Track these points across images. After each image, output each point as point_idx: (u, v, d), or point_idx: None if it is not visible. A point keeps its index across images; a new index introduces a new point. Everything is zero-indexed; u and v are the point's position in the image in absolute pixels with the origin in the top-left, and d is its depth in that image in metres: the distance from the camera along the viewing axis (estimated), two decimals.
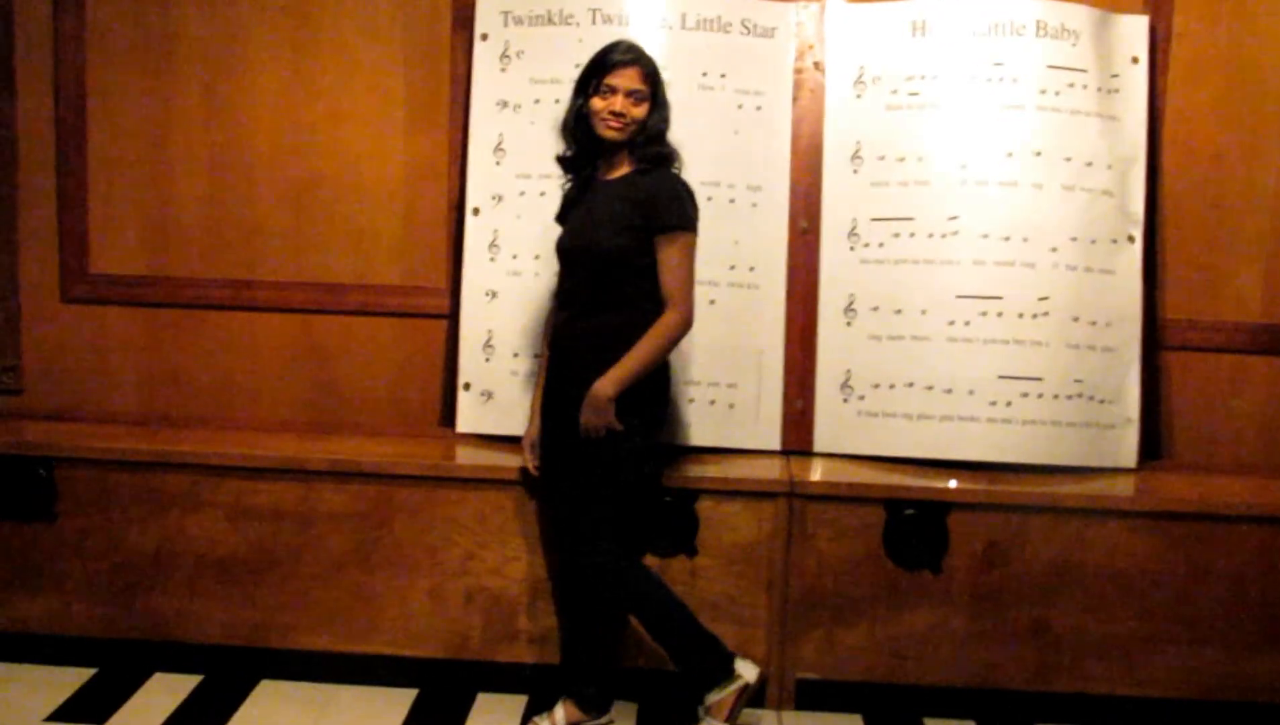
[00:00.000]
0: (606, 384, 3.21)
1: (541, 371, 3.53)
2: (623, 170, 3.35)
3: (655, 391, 3.34)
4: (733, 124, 3.94)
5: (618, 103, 3.28)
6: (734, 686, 3.39)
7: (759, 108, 3.96)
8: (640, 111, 3.29)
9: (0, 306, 4.18)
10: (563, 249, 3.40)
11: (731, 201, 3.92)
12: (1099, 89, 3.89)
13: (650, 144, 3.31)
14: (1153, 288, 4.02)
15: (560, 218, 3.50)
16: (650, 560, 3.65)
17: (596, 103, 3.30)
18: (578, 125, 3.37)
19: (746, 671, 3.41)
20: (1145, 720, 3.66)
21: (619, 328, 3.27)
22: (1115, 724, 3.66)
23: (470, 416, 3.98)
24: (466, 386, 3.97)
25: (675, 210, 3.25)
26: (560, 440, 3.36)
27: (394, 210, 4.13)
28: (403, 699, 3.66)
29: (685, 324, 3.26)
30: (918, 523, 3.62)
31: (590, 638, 3.54)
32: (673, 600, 3.42)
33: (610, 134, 3.30)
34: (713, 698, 3.39)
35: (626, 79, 3.28)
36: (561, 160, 3.46)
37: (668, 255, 3.25)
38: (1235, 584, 3.62)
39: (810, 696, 3.69)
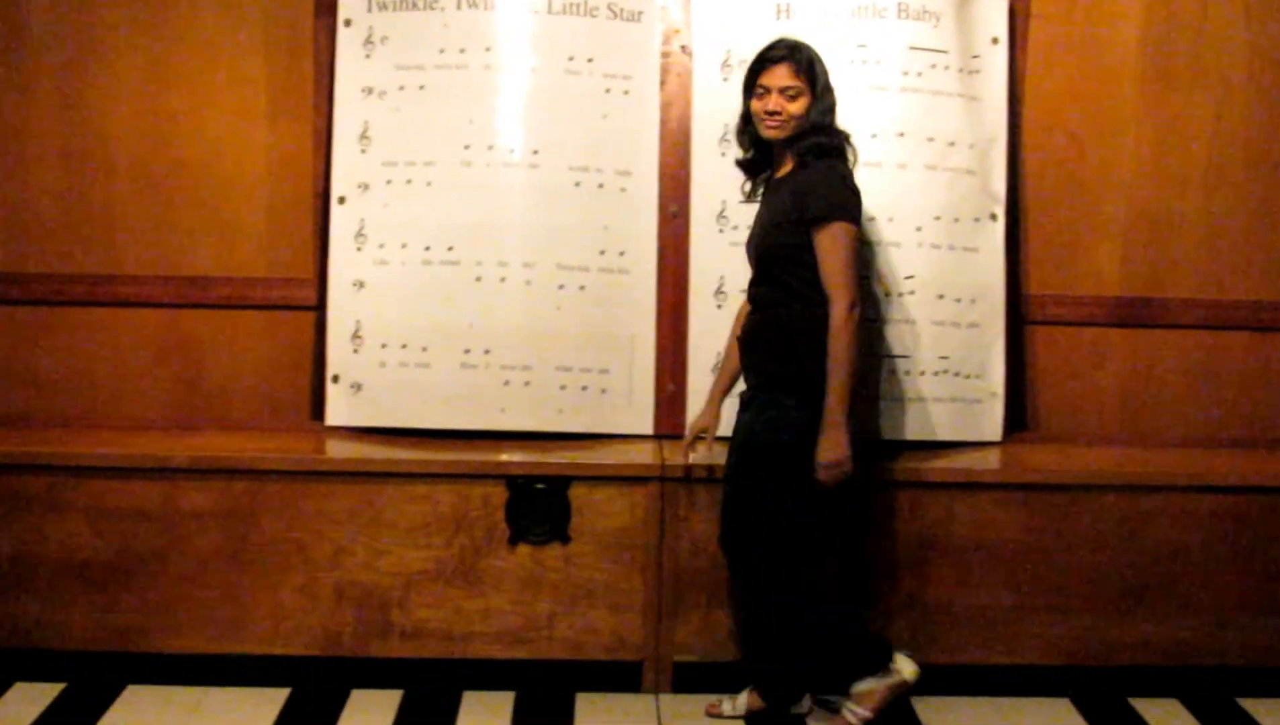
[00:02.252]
0: (828, 439, 3.22)
1: (722, 363, 3.62)
2: (789, 166, 3.34)
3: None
4: (601, 108, 3.93)
5: (771, 101, 3.27)
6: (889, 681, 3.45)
7: (627, 92, 3.95)
8: (797, 107, 3.27)
9: None
10: (746, 249, 3.44)
11: (600, 186, 3.91)
12: (960, 70, 3.94)
13: (810, 136, 3.28)
14: (1016, 264, 4.09)
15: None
16: (523, 548, 3.64)
17: (754, 104, 3.32)
18: (746, 128, 3.37)
19: (905, 668, 3.46)
20: (1016, 687, 3.73)
21: (790, 323, 3.27)
22: (985, 693, 3.72)
23: (339, 409, 3.93)
24: (335, 379, 3.92)
25: (825, 200, 3.21)
26: (737, 437, 3.38)
27: (259, 200, 4.06)
28: (275, 699, 3.61)
29: (849, 315, 3.20)
30: None
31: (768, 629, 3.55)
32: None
33: (769, 133, 3.30)
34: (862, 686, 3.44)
35: (778, 77, 3.27)
36: (740, 164, 3.46)
37: (820, 247, 3.23)
38: (1098, 551, 3.70)
39: (689, 678, 3.71)
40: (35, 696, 3.58)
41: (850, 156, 3.36)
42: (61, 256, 4.06)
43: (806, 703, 3.58)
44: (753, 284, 3.40)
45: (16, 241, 4.06)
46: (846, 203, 3.24)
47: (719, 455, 3.61)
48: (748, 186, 3.50)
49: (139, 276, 4.04)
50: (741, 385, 3.48)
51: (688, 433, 3.65)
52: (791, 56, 3.28)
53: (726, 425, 3.54)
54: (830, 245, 3.21)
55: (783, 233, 3.26)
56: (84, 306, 4.04)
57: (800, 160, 3.30)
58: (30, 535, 3.63)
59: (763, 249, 3.33)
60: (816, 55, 3.32)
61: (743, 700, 3.58)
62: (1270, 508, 3.73)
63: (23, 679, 3.66)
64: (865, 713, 3.42)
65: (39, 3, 3.99)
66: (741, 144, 3.44)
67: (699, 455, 3.60)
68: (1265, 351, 4.18)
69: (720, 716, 3.57)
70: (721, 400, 3.59)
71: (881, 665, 3.42)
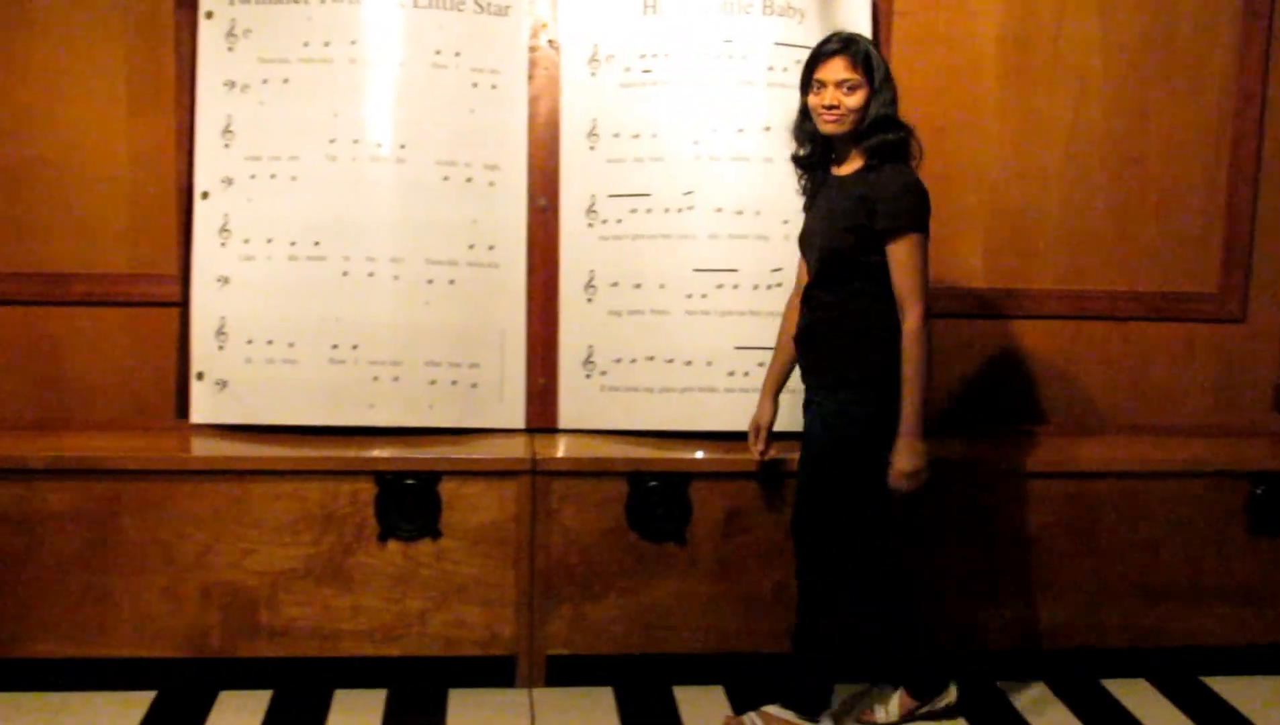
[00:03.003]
0: (907, 447, 3.23)
1: (773, 358, 3.59)
2: (853, 165, 3.30)
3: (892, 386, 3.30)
4: (468, 103, 3.91)
5: (828, 95, 3.22)
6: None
7: (494, 86, 3.94)
8: (855, 100, 3.22)
9: None
10: (800, 246, 3.42)
11: (469, 180, 3.90)
12: None
13: (875, 132, 3.24)
14: None
15: (806, 211, 3.45)
16: (394, 545, 3.62)
17: (811, 99, 3.27)
18: (804, 123, 3.34)
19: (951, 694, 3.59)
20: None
21: (853, 322, 3.27)
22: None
23: (205, 406, 3.87)
24: (200, 376, 3.86)
25: (898, 210, 3.19)
26: (806, 441, 3.39)
27: (120, 195, 3.97)
28: (140, 702, 3.56)
29: (923, 326, 3.20)
30: (660, 494, 3.67)
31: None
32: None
33: (827, 128, 3.26)
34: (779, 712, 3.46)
35: (833, 70, 3.22)
36: (795, 159, 3.42)
37: (894, 258, 3.21)
38: (960, 536, 3.79)
39: (562, 672, 3.72)
40: None
41: (915, 150, 3.33)
42: None
43: (953, 692, 3.65)
44: (812, 283, 3.39)
45: None
46: (918, 211, 3.24)
47: (595, 448, 3.66)
48: (804, 183, 3.46)
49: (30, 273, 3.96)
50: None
51: (750, 433, 3.61)
52: (847, 49, 3.23)
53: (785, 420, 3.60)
54: (905, 257, 3.21)
55: (849, 235, 3.24)
56: None
57: (869, 161, 3.27)
58: None
59: (827, 250, 3.30)
60: (873, 47, 3.29)
61: (894, 704, 3.60)
62: (1124, 491, 3.84)
63: None
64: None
65: None
66: (799, 140, 3.39)
67: (769, 456, 3.61)
68: (1123, 341, 4.28)
69: (875, 723, 3.59)
70: (776, 394, 3.59)
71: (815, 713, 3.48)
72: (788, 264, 3.89)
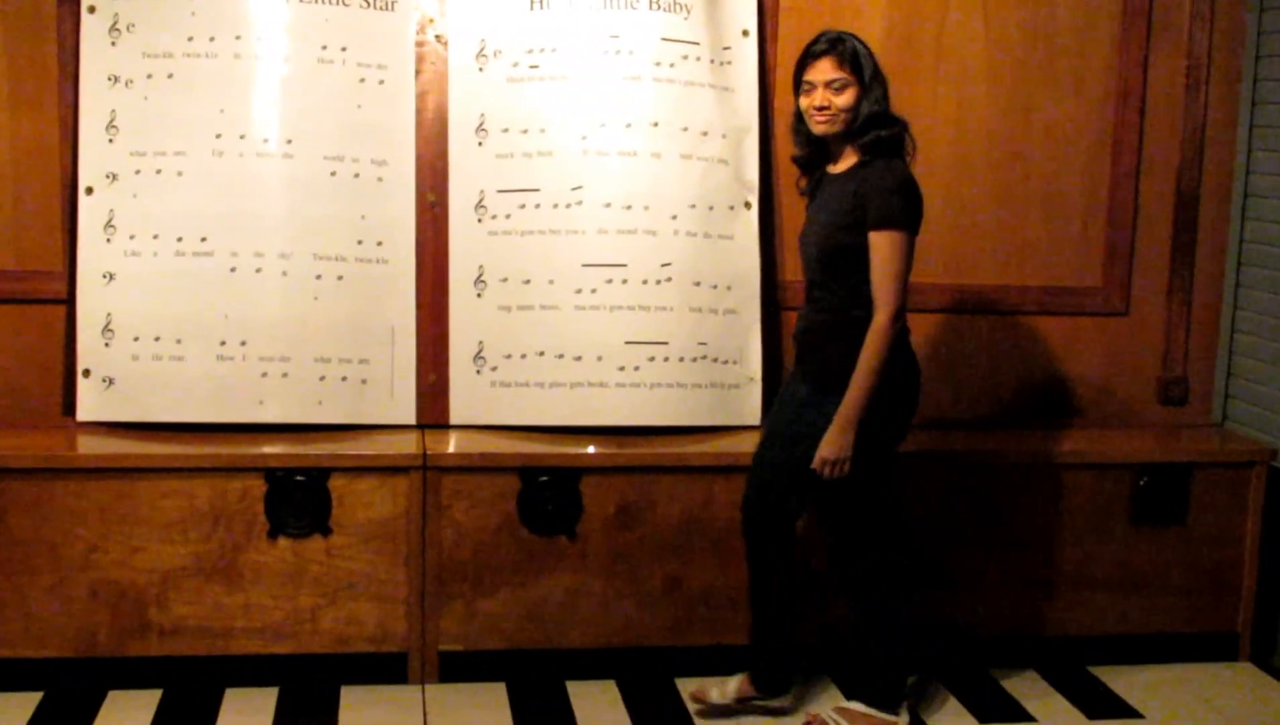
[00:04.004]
0: (838, 435, 3.26)
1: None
2: (847, 162, 3.34)
3: (904, 397, 3.37)
4: (355, 98, 3.90)
5: (818, 96, 3.26)
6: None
7: (382, 81, 3.93)
8: (844, 99, 3.25)
9: None
10: (800, 247, 3.47)
11: (357, 176, 3.89)
12: (712, 61, 4.02)
13: (869, 129, 3.26)
14: (771, 252, 4.18)
15: (807, 211, 3.48)
16: (284, 542, 3.61)
17: (802, 101, 3.31)
18: (799, 125, 3.37)
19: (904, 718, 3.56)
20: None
21: (855, 325, 3.28)
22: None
23: (91, 404, 3.83)
24: (86, 373, 3.82)
25: (889, 205, 3.21)
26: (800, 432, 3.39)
27: (3, 191, 3.90)
28: (27, 703, 3.53)
29: (892, 323, 3.23)
30: (551, 489, 3.70)
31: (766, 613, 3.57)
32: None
33: (820, 128, 3.29)
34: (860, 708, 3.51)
35: (821, 71, 3.26)
36: (795, 160, 3.46)
37: (875, 252, 3.23)
38: None
39: (454, 668, 3.73)
40: None
41: (909, 146, 3.36)
42: None
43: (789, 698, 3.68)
44: (813, 284, 3.42)
45: None
46: (907, 210, 3.26)
47: (486, 443, 3.67)
48: (804, 183, 3.50)
49: None
50: None
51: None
52: (834, 49, 3.27)
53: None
54: (886, 252, 3.23)
55: (846, 233, 3.28)
56: None
57: (863, 157, 3.31)
58: None
59: (825, 250, 3.33)
60: (861, 45, 3.31)
61: (733, 686, 3.59)
62: (1012, 482, 3.93)
63: None
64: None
65: None
66: (796, 142, 3.43)
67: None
68: (1005, 334, 4.36)
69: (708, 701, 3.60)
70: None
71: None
72: (676, 259, 3.94)
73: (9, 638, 3.56)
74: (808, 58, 3.32)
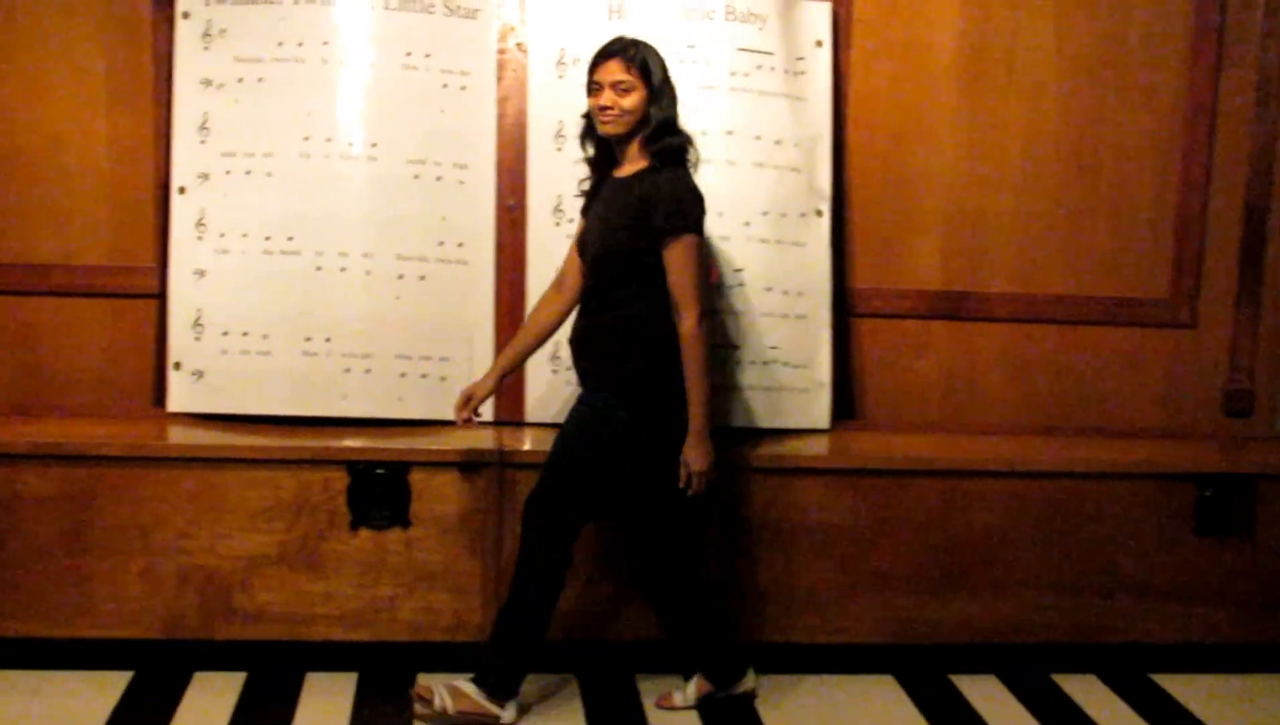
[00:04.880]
0: (697, 448, 3.33)
1: (514, 340, 3.65)
2: (632, 167, 3.36)
3: (666, 387, 3.36)
4: (438, 103, 4.01)
5: (603, 97, 3.29)
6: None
7: (464, 87, 4.04)
8: (629, 101, 3.28)
9: None
10: (578, 249, 3.48)
11: (439, 179, 3.99)
12: (786, 71, 4.10)
13: (657, 136, 3.31)
14: (841, 259, 4.26)
15: (584, 213, 3.53)
16: (364, 533, 3.71)
17: (590, 101, 3.34)
18: (589, 126, 3.41)
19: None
20: (842, 666, 3.88)
21: (621, 325, 3.33)
22: (815, 671, 3.87)
23: (181, 396, 3.96)
24: (177, 366, 3.95)
25: (676, 211, 3.25)
26: (568, 431, 3.46)
27: (99, 190, 4.07)
28: (118, 681, 3.64)
29: (700, 326, 3.27)
30: None
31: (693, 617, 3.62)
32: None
33: (605, 129, 3.32)
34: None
35: (608, 72, 3.29)
36: (587, 161, 3.49)
37: (670, 259, 3.27)
38: (920, 534, 3.86)
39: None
40: None
41: (692, 157, 3.40)
42: None
43: (752, 679, 3.70)
44: (589, 287, 3.46)
45: None
46: (694, 214, 3.30)
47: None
48: (588, 184, 3.53)
49: None
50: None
51: (460, 398, 3.59)
52: (623, 52, 3.31)
53: None
54: (681, 258, 3.27)
55: (625, 236, 3.30)
56: None
57: (650, 163, 3.33)
58: None
59: (603, 252, 3.36)
60: (653, 51, 3.36)
61: (692, 689, 3.66)
62: (1077, 492, 3.92)
63: None
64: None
65: None
66: (584, 146, 3.47)
67: (465, 420, 3.59)
68: (1072, 344, 4.39)
69: (674, 708, 3.65)
70: (503, 375, 3.61)
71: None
72: (749, 264, 4.01)
73: (102, 618, 3.68)
74: (597, 58, 3.35)
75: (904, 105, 4.27)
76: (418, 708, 3.45)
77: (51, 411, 4.05)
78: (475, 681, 3.47)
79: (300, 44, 3.94)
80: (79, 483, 3.63)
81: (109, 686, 3.61)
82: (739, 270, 4.01)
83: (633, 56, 3.31)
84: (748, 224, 4.01)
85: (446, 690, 3.45)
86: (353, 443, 3.76)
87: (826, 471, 3.84)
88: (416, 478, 3.71)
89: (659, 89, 3.33)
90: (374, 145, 3.95)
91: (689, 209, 3.29)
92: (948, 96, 4.29)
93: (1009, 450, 4.07)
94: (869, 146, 4.27)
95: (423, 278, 3.97)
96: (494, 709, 3.46)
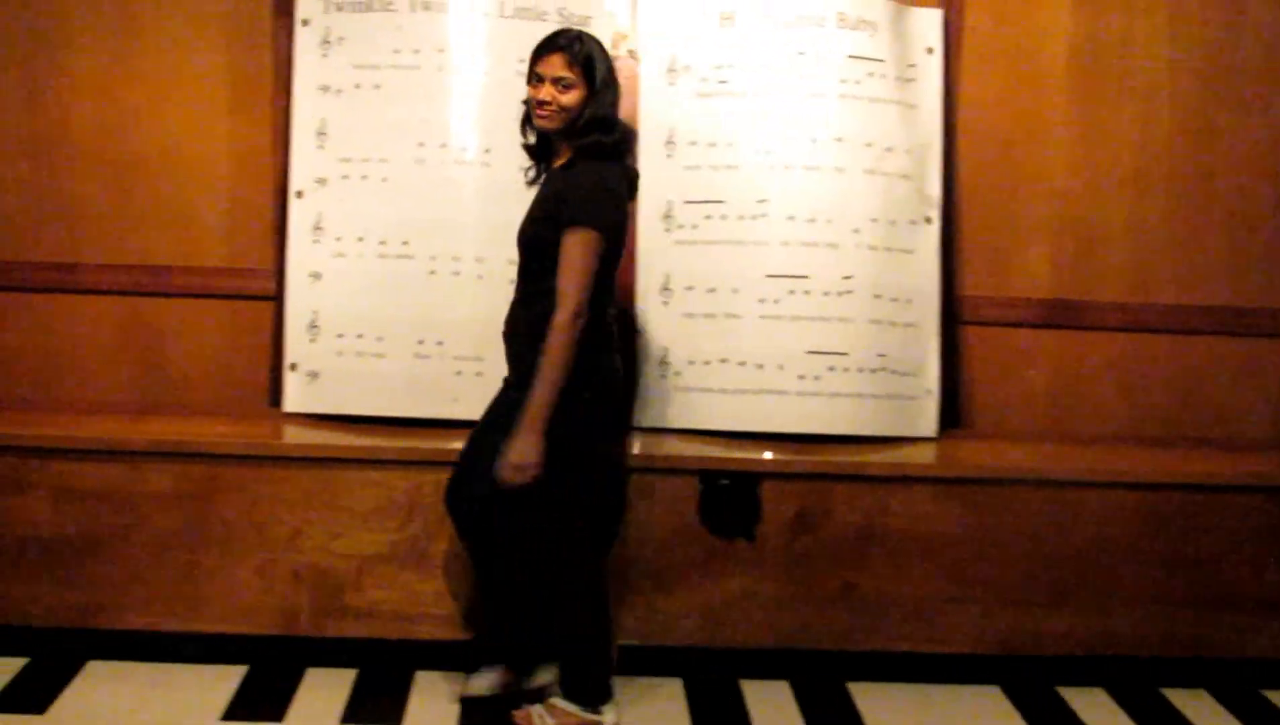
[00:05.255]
0: (522, 441, 3.20)
1: None
2: (563, 159, 3.35)
3: (588, 380, 3.30)
4: None
5: (543, 91, 3.26)
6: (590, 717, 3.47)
7: None
8: (569, 99, 3.24)
9: None
10: (518, 238, 3.46)
11: None
12: (897, 78, 4.10)
13: (587, 132, 3.26)
14: (950, 266, 4.25)
15: None
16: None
17: (530, 92, 3.31)
18: (528, 115, 3.38)
19: (609, 717, 3.49)
20: (946, 675, 3.86)
21: (537, 319, 3.29)
22: (917, 679, 3.85)
23: (297, 396, 4.03)
24: (293, 367, 4.02)
25: (582, 204, 3.21)
26: (490, 424, 3.42)
27: (218, 193, 4.17)
28: (233, 676, 3.70)
29: (571, 321, 3.18)
30: (732, 492, 3.77)
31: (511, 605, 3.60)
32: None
33: (540, 123, 3.30)
34: (564, 705, 3.47)
35: (550, 66, 3.26)
36: (527, 149, 3.46)
37: (563, 249, 3.21)
38: (1026, 544, 3.82)
39: (632, 662, 3.80)
40: None
41: (633, 154, 3.38)
42: (26, 245, 4.16)
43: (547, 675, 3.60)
44: (519, 274, 3.42)
45: None
46: (600, 211, 3.23)
47: (669, 446, 3.78)
48: (531, 174, 3.48)
49: (101, 265, 4.14)
50: None
51: None
52: (569, 47, 3.25)
53: None
54: (573, 250, 3.20)
55: (545, 228, 3.27)
56: (48, 293, 4.13)
57: (574, 157, 3.31)
58: None
59: (525, 241, 3.35)
60: (599, 49, 3.30)
61: (493, 678, 3.61)
62: (1188, 504, 3.87)
63: None
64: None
65: None
66: (524, 133, 3.43)
67: None
68: (1184, 354, 4.35)
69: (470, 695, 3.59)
70: None
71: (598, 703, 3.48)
72: (858, 271, 4.01)
73: (219, 613, 3.75)
74: (541, 50, 3.29)
75: (1014, 112, 4.26)
76: None
77: (172, 410, 4.14)
78: (568, 698, 3.47)
79: (416, 51, 4.01)
80: (198, 480, 3.71)
81: (225, 680, 3.67)
82: (848, 277, 4.01)
83: (577, 53, 3.25)
84: (857, 231, 4.01)
85: (545, 710, 3.46)
86: (462, 444, 3.77)
87: (933, 480, 3.82)
88: None
89: (601, 87, 3.27)
90: (487, 151, 4.00)
91: (595, 206, 3.23)
92: (1059, 103, 4.27)
93: (1118, 461, 4.03)
94: (979, 153, 4.26)
95: None
96: (594, 718, 3.46)
